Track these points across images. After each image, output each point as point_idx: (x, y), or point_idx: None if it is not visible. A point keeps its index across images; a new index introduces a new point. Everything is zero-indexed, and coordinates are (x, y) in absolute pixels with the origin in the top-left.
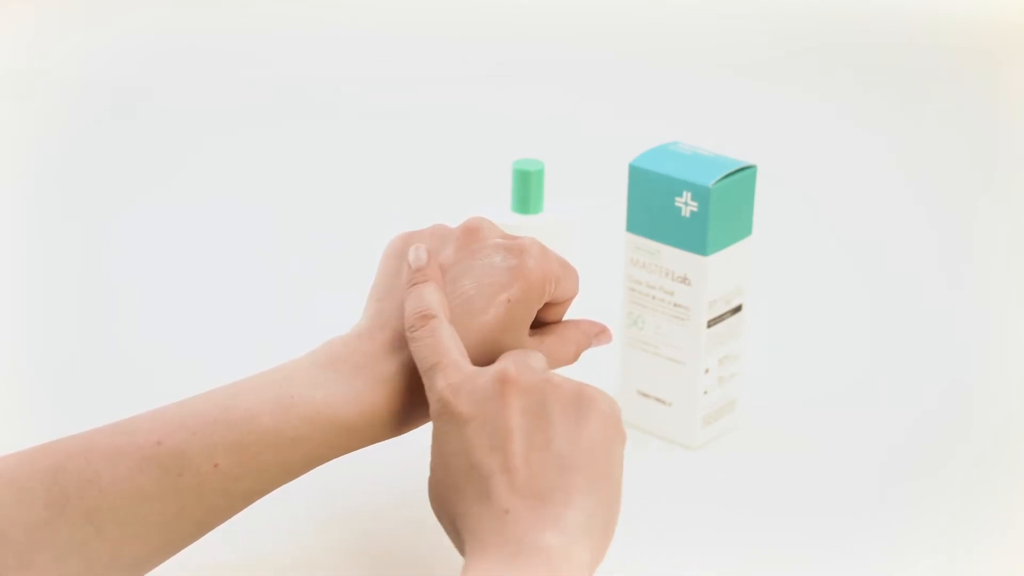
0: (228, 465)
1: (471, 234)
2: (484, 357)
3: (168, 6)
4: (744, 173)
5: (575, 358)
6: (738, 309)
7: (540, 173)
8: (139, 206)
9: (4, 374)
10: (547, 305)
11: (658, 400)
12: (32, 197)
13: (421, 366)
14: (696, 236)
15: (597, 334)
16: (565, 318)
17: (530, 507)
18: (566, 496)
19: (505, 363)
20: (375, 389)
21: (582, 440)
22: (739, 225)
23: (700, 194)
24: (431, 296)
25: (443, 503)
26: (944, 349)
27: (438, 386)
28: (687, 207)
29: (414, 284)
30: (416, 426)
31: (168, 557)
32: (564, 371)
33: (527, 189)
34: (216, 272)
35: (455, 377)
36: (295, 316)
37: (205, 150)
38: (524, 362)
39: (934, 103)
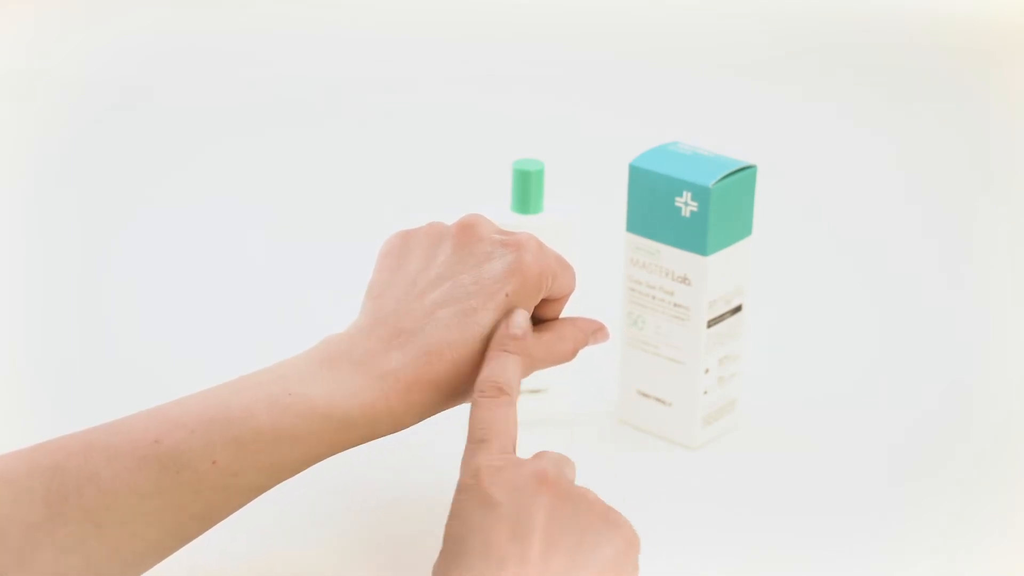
0: (226, 462)
1: (467, 231)
2: (481, 356)
3: (168, 6)
4: (744, 173)
5: (573, 355)
6: (738, 309)
7: (540, 173)
8: (139, 206)
9: (4, 374)
10: (544, 302)
11: (658, 400)
12: (32, 197)
13: (471, 434)
14: (696, 236)
15: (594, 332)
16: (563, 316)
17: None
18: None
19: (545, 463)
20: (372, 385)
21: (599, 557)
22: (739, 225)
23: (700, 194)
24: (513, 371)
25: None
26: (944, 349)
27: (479, 462)
28: (687, 207)
29: (504, 351)
30: (413, 423)
31: (167, 555)
32: (565, 369)
33: (527, 189)
34: (215, 271)
35: (498, 461)
36: (293, 314)
37: (205, 150)
38: (560, 468)
39: (934, 103)
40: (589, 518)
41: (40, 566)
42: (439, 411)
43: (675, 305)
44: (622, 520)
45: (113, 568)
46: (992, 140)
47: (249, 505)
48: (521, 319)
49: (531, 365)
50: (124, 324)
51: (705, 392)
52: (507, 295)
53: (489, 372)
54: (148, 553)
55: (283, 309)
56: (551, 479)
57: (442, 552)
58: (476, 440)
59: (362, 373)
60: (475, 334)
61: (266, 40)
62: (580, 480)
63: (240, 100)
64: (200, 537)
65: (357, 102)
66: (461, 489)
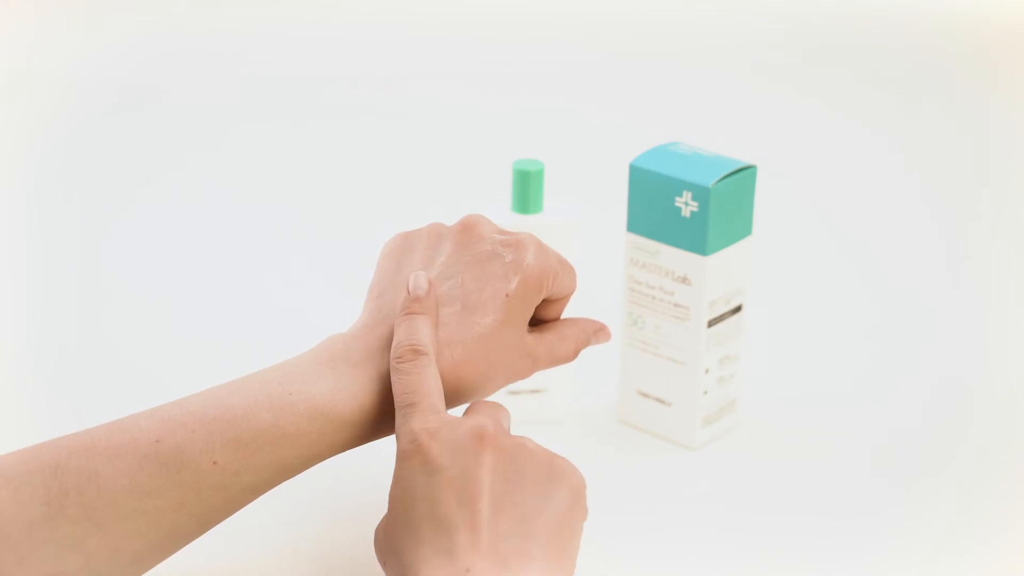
0: (227, 462)
1: (468, 230)
2: (482, 354)
3: (168, 6)
4: (744, 173)
5: (574, 356)
6: (738, 309)
7: (540, 173)
8: (139, 206)
9: (4, 373)
10: (545, 302)
11: (658, 400)
12: (32, 197)
13: (398, 400)
14: (696, 236)
15: (595, 332)
16: (563, 316)
17: (491, 569)
18: (527, 563)
19: (482, 418)
20: (373, 385)
21: (548, 511)
22: (739, 225)
23: (700, 194)
24: (424, 330)
25: (395, 545)
26: (944, 349)
27: (414, 427)
28: (687, 207)
29: (409, 313)
30: None
31: (168, 555)
32: (565, 369)
33: (527, 189)
34: (215, 271)
35: (433, 422)
36: (294, 314)
37: (205, 149)
38: (498, 420)
39: (934, 103)
40: (533, 470)
41: (40, 564)
42: None
43: (675, 305)
44: (566, 466)
45: (113, 567)
46: (992, 140)
47: (249, 506)
48: (421, 279)
49: (532, 367)
50: (125, 324)
51: (705, 392)
52: (507, 295)
53: (401, 337)
54: (149, 553)
55: (283, 309)
56: (490, 435)
57: (388, 519)
58: (405, 406)
59: (362, 373)
60: (475, 334)
61: (266, 40)
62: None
63: (240, 99)
64: (201, 537)
65: (357, 101)
66: (402, 456)
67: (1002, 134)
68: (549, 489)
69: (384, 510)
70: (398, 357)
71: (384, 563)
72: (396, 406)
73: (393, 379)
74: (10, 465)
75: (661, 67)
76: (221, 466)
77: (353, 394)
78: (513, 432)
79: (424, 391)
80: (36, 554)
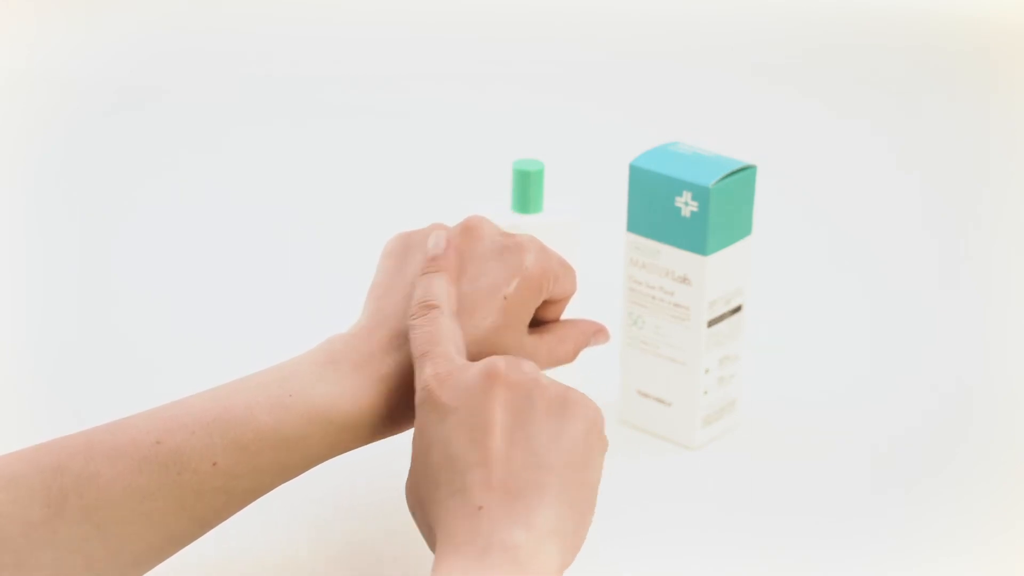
0: (227, 464)
1: (469, 232)
2: (481, 357)
3: (168, 6)
4: (744, 173)
5: (574, 356)
6: (738, 309)
7: (540, 173)
8: (139, 206)
9: (4, 373)
10: (545, 303)
11: (658, 400)
12: (32, 197)
13: (414, 353)
14: (696, 236)
15: (595, 333)
16: (563, 317)
17: (503, 505)
18: (539, 495)
19: (495, 359)
20: (373, 387)
21: (562, 442)
22: (739, 225)
23: (700, 194)
24: (439, 287)
25: (418, 495)
26: (944, 349)
27: (426, 374)
28: (687, 207)
29: (426, 272)
30: (414, 425)
31: (167, 556)
32: (565, 370)
33: (527, 189)
34: (216, 271)
35: (443, 367)
36: (294, 315)
37: (205, 149)
38: (515, 361)
39: (934, 103)
40: (546, 403)
41: (40, 566)
42: None
43: (675, 305)
44: (580, 398)
45: (113, 569)
46: (992, 140)
47: (249, 507)
48: (440, 239)
49: None
50: (125, 324)
51: (705, 392)
52: (506, 297)
53: (417, 296)
54: (149, 554)
55: (283, 309)
56: (500, 373)
57: (410, 471)
58: (419, 356)
59: (363, 375)
60: (474, 336)
61: (266, 39)
62: None
63: (240, 100)
64: (201, 539)
65: (357, 101)
66: (417, 406)
67: (1002, 134)
68: (562, 420)
69: (383, 512)
70: (412, 315)
71: (413, 514)
72: (413, 360)
73: (410, 337)
74: (10, 466)
75: (661, 67)
76: (221, 468)
77: (353, 396)
78: None
79: (436, 340)
80: (36, 556)
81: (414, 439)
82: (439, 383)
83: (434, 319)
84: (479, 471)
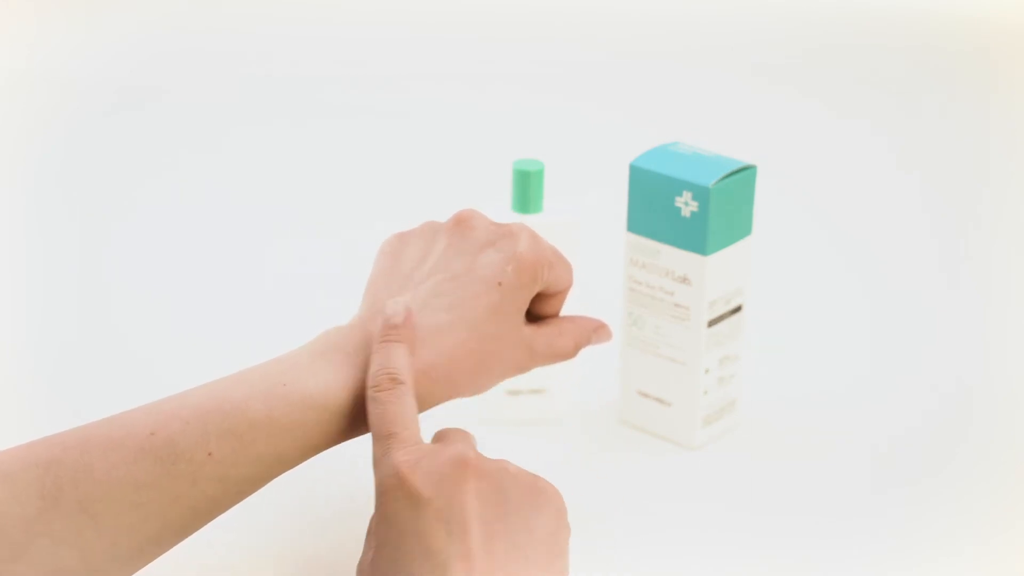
0: (222, 454)
1: (462, 224)
2: (477, 343)
3: (168, 6)
4: (744, 173)
5: (574, 353)
6: (738, 309)
7: (540, 173)
8: (139, 206)
9: (4, 373)
10: (542, 297)
11: (658, 400)
12: (32, 197)
13: (376, 430)
14: (696, 236)
15: (596, 330)
16: (563, 315)
17: None
18: None
19: (460, 446)
20: (366, 373)
21: (537, 531)
22: (739, 225)
23: (700, 194)
24: (401, 359)
25: None
26: (944, 349)
27: (395, 459)
28: (687, 207)
29: (386, 341)
30: None
31: (165, 550)
32: (565, 369)
33: (527, 189)
34: (216, 271)
35: (413, 453)
36: (294, 315)
37: (205, 149)
38: (473, 446)
39: (934, 103)
40: (518, 494)
41: (36, 559)
42: (435, 404)
43: (675, 305)
44: (547, 487)
45: (110, 561)
46: (992, 140)
47: (246, 502)
48: (399, 306)
49: (530, 360)
50: (125, 323)
51: (705, 392)
52: (501, 283)
53: (379, 364)
54: (145, 546)
55: (283, 309)
56: (472, 462)
57: (374, 556)
58: (384, 436)
59: (357, 364)
60: (468, 322)
61: (266, 40)
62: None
63: (240, 99)
64: (197, 536)
65: (357, 101)
66: (384, 490)
67: (1002, 134)
68: (535, 511)
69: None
70: (375, 385)
71: None
72: (373, 435)
73: (369, 408)
74: (5, 461)
75: (661, 67)
76: (216, 458)
77: (348, 385)
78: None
79: (403, 422)
80: (32, 549)
81: (377, 524)
82: (411, 470)
83: (400, 396)
84: (461, 564)
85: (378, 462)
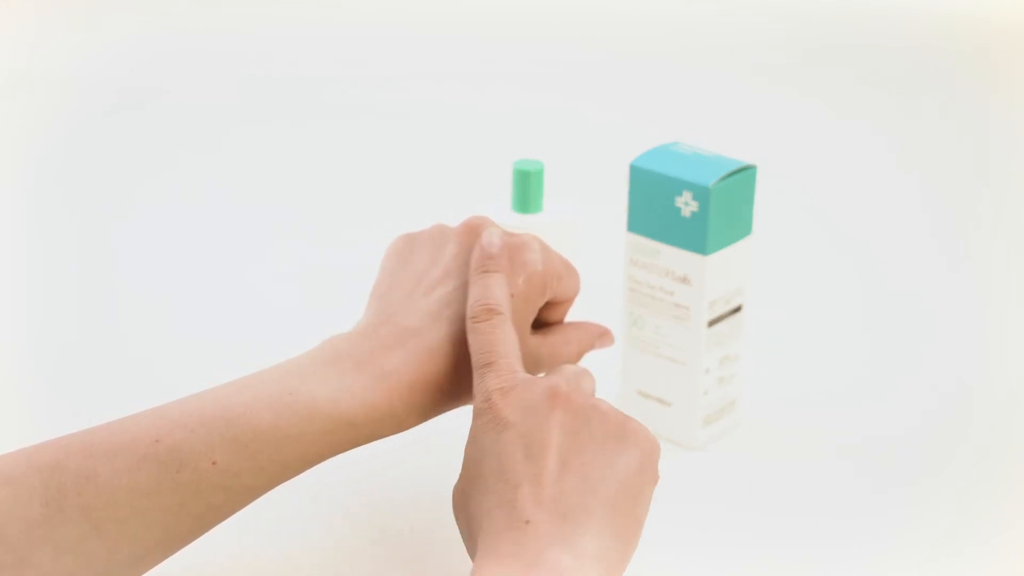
0: (226, 462)
1: (472, 231)
2: None
3: (168, 6)
4: (744, 173)
5: (578, 358)
6: (738, 309)
7: (540, 173)
8: (139, 206)
9: (4, 373)
10: (549, 305)
11: (658, 400)
12: (32, 197)
13: (476, 359)
14: (696, 236)
15: (599, 336)
16: (567, 320)
17: (551, 523)
18: (588, 520)
19: (558, 378)
20: (375, 385)
21: (616, 471)
22: (739, 225)
23: (700, 194)
24: (499, 289)
25: (466, 500)
26: (944, 349)
27: (489, 385)
28: (687, 207)
29: (484, 271)
30: (416, 423)
31: (167, 556)
32: None
33: (527, 189)
34: (216, 271)
35: (508, 380)
36: (295, 316)
37: (205, 149)
38: (576, 381)
39: (933, 103)
40: (604, 430)
41: (39, 565)
42: (442, 411)
43: (675, 305)
44: (639, 429)
45: (112, 568)
46: (992, 140)
47: (250, 506)
48: (495, 236)
49: (535, 369)
50: (126, 324)
51: (705, 392)
52: (512, 294)
53: (476, 296)
54: (147, 553)
55: (284, 310)
56: (563, 394)
57: (461, 476)
58: (482, 365)
59: (364, 372)
60: None
61: (266, 40)
62: None
63: (240, 99)
64: (201, 539)
65: (358, 101)
66: (476, 414)
67: (1002, 134)
68: (618, 450)
69: (384, 512)
70: (474, 316)
71: (457, 518)
72: (473, 365)
73: (469, 338)
74: (8, 465)
75: (661, 67)
76: (221, 466)
77: (355, 393)
78: None
79: (501, 350)
80: (35, 555)
81: (467, 446)
82: (502, 396)
83: (497, 325)
84: (531, 487)
85: (475, 388)
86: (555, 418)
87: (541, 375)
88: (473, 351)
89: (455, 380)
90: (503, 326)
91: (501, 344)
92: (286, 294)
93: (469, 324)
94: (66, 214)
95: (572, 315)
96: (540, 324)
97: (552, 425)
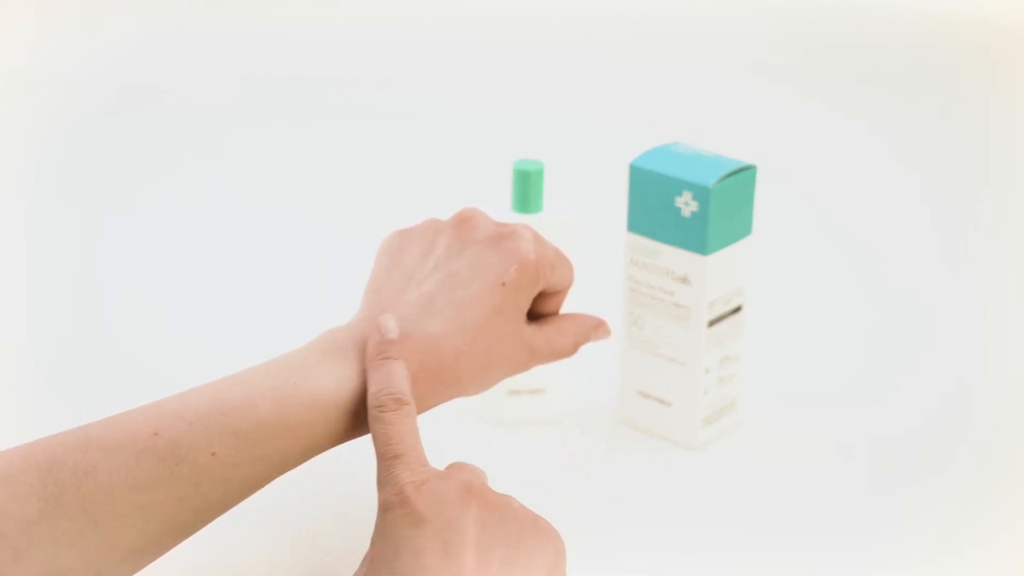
0: (225, 454)
1: (464, 223)
2: (480, 344)
3: (168, 6)
4: (744, 173)
5: (574, 350)
6: (738, 309)
7: (540, 173)
8: (139, 206)
9: (4, 373)
10: (543, 296)
11: (658, 400)
12: (32, 197)
13: (383, 450)
14: (696, 236)
15: (595, 327)
16: (562, 312)
17: None
18: None
19: (468, 475)
20: None
21: (533, 568)
22: (739, 225)
23: (700, 194)
24: (401, 377)
25: None
26: (944, 349)
27: (401, 478)
28: (687, 207)
29: (384, 358)
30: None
31: (167, 549)
32: (565, 369)
33: (527, 189)
34: (215, 270)
35: (419, 474)
36: (294, 314)
37: (205, 149)
38: (482, 478)
39: (933, 103)
40: (518, 527)
41: (38, 561)
42: (438, 402)
43: (675, 305)
44: (549, 528)
45: (112, 563)
46: (992, 140)
47: (249, 500)
48: (391, 323)
49: (531, 359)
50: (125, 323)
51: (705, 392)
52: (504, 283)
53: (380, 384)
54: (147, 548)
55: (283, 309)
56: (476, 490)
57: (368, 570)
58: (391, 457)
59: (360, 361)
60: (472, 323)
61: (266, 40)
62: (579, 483)
63: (240, 99)
64: (197, 534)
65: (358, 101)
66: (386, 508)
67: (1002, 134)
68: (532, 547)
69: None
70: (380, 405)
71: None
72: (378, 456)
73: (373, 427)
74: (6, 462)
75: (661, 67)
76: (220, 458)
77: (351, 382)
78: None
79: (409, 441)
80: (34, 551)
81: (375, 539)
82: (415, 490)
83: (405, 416)
84: None
85: (383, 481)
86: (471, 514)
87: (448, 469)
88: (379, 441)
89: (452, 370)
90: (410, 417)
91: (409, 435)
92: (286, 293)
93: (374, 412)
94: (66, 214)
95: (571, 312)
96: (535, 316)
97: (468, 522)
